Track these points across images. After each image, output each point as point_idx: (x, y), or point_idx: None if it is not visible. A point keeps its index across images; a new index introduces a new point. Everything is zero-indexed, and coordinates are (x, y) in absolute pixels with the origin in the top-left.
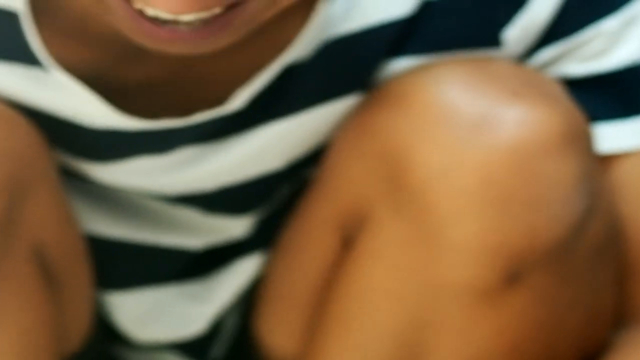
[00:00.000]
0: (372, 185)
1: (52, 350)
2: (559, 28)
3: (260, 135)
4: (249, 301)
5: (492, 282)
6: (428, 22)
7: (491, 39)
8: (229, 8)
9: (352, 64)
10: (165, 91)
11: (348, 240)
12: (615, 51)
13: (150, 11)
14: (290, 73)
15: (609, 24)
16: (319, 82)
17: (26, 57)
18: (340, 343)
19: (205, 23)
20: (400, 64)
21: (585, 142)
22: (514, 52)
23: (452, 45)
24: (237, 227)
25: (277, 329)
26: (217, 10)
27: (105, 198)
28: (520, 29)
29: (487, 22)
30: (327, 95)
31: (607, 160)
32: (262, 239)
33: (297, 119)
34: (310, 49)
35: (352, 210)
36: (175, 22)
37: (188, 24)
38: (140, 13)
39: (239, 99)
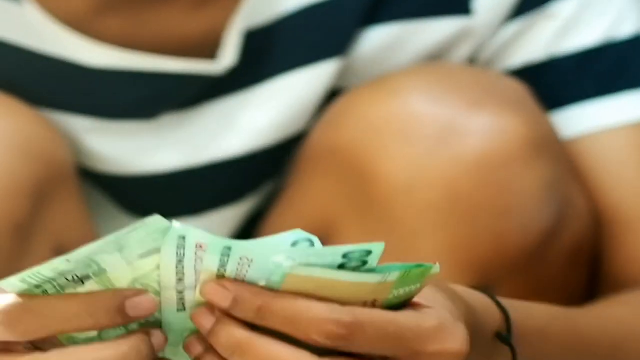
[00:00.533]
0: (338, 201)
1: None
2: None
3: (243, 102)
4: None
5: None
6: None
7: (462, 7)
8: None
9: (328, 30)
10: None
11: None
12: (580, 31)
13: None
14: (266, 36)
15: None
16: (297, 46)
17: None
18: None
19: None
20: (375, 34)
21: (552, 148)
22: (485, 21)
23: (424, 13)
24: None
25: None
26: None
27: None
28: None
29: None
30: (306, 60)
31: (583, 138)
32: None
33: (276, 83)
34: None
35: (319, 226)
36: None
37: None
38: None
39: (226, 57)
